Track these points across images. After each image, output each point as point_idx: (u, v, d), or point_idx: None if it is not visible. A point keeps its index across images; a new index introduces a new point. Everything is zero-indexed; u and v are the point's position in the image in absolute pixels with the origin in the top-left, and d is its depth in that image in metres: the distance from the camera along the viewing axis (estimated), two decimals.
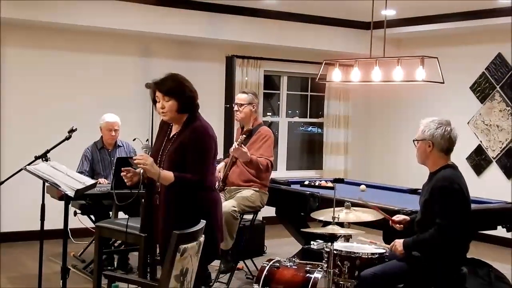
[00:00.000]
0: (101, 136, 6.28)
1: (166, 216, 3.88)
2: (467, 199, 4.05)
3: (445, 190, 3.93)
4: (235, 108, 5.72)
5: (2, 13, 6.53)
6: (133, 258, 5.86)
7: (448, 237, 3.89)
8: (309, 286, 4.13)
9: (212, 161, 3.99)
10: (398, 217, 4.31)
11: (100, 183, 5.86)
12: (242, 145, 5.35)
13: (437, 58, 5.66)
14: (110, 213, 5.97)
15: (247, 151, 5.37)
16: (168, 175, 3.82)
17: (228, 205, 5.32)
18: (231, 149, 5.41)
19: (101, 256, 4.88)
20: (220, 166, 5.79)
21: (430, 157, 4.09)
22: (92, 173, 6.10)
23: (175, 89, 3.89)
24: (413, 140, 4.17)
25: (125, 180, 3.95)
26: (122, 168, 3.98)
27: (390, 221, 4.29)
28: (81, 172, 5.71)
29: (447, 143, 4.05)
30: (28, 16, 6.75)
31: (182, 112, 3.93)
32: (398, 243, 4.08)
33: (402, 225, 4.25)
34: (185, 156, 3.86)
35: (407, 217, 4.30)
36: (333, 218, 4.10)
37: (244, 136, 5.46)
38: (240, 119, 5.74)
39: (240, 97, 5.71)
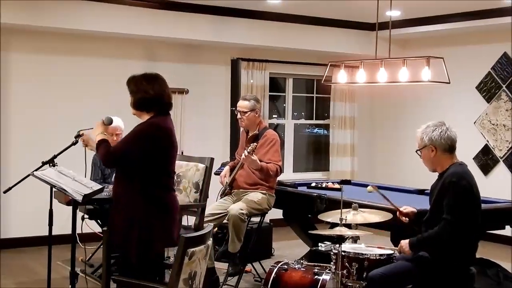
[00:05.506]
0: None
1: (114, 207, 3.96)
2: (476, 196, 4.03)
3: (453, 185, 3.92)
4: (238, 116, 5.70)
5: (10, 19, 6.56)
6: None
7: (454, 234, 3.88)
8: None
9: (145, 155, 3.84)
10: (405, 209, 4.30)
11: None
12: (253, 153, 5.34)
13: (442, 58, 5.64)
14: None
15: (257, 159, 5.37)
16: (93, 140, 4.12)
17: (235, 207, 5.33)
18: (242, 157, 5.41)
19: (110, 261, 4.87)
20: (225, 170, 5.80)
21: (436, 160, 4.09)
22: (103, 178, 6.07)
23: (130, 87, 4.21)
24: (416, 151, 4.17)
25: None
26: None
27: (398, 212, 4.29)
28: (94, 180, 5.69)
29: (448, 142, 4.05)
30: (33, 21, 6.77)
31: (137, 109, 4.12)
32: (404, 243, 4.07)
33: (408, 218, 4.25)
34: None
35: (414, 209, 4.29)
36: (341, 219, 4.10)
37: (255, 144, 5.43)
38: (245, 126, 5.72)
39: (242, 105, 5.66)
